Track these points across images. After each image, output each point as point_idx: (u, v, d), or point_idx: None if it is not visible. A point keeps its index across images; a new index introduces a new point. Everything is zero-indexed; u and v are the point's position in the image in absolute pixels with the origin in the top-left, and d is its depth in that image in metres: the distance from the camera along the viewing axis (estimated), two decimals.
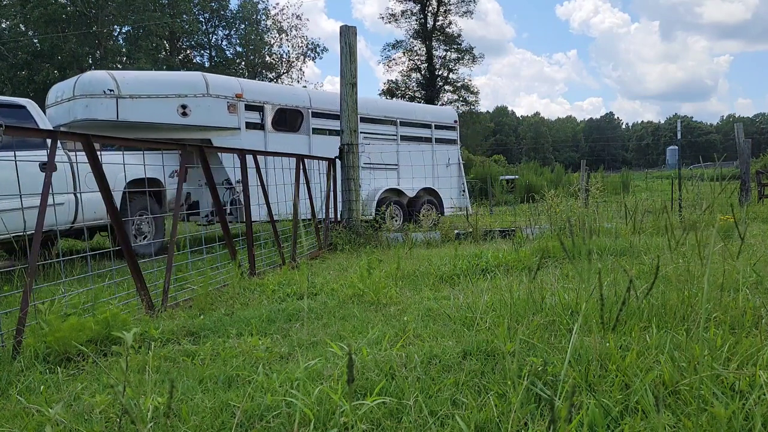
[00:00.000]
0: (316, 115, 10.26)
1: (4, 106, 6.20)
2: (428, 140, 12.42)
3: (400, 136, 11.88)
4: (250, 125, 9.36)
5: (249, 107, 9.29)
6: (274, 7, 73.08)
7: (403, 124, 12.00)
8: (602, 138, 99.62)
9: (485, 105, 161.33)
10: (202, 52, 37.40)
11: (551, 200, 7.09)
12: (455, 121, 13.30)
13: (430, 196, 11.93)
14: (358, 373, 2.34)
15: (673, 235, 3.22)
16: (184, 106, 8.48)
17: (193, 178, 8.43)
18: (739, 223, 2.96)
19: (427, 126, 12.47)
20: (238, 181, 8.14)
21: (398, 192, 11.32)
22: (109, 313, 3.24)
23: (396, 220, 11.11)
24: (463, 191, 12.90)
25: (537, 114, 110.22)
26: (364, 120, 10.56)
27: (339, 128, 9.73)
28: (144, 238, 7.75)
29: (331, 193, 8.16)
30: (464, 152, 28.10)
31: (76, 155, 6.41)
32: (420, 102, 44.76)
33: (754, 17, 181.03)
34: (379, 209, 10.16)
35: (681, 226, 3.95)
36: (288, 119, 10.16)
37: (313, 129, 10.21)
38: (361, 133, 9.93)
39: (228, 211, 8.68)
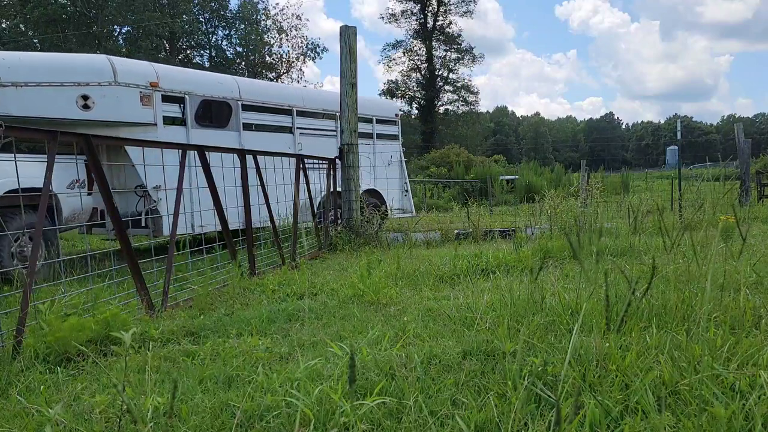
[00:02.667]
0: (248, 108, 8.88)
1: None
2: (369, 136, 11.14)
3: (341, 131, 11.14)
4: (168, 120, 7.92)
5: (167, 98, 7.78)
6: (274, 7, 73.11)
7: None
8: (602, 138, 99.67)
9: (485, 105, 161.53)
10: (202, 52, 37.46)
11: (551, 200, 7.09)
12: (396, 115, 12.21)
13: (373, 198, 10.63)
14: (358, 373, 2.34)
15: (669, 236, 3.22)
16: (85, 97, 6.92)
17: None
18: (741, 223, 2.96)
19: (368, 120, 11.11)
20: (155, 187, 7.00)
21: (338, 194, 9.73)
22: (109, 314, 3.24)
23: (336, 226, 9.92)
24: (406, 192, 11.89)
25: (537, 114, 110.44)
26: (300, 114, 9.71)
27: (277, 123, 9.26)
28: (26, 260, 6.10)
29: (332, 195, 8.16)
30: (464, 152, 28.13)
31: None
32: (421, 102, 44.84)
33: (756, 17, 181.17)
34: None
35: (680, 226, 3.95)
36: (214, 113, 8.72)
37: (245, 124, 8.80)
38: (297, 129, 9.52)
39: (143, 222, 7.49)
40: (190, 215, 7.18)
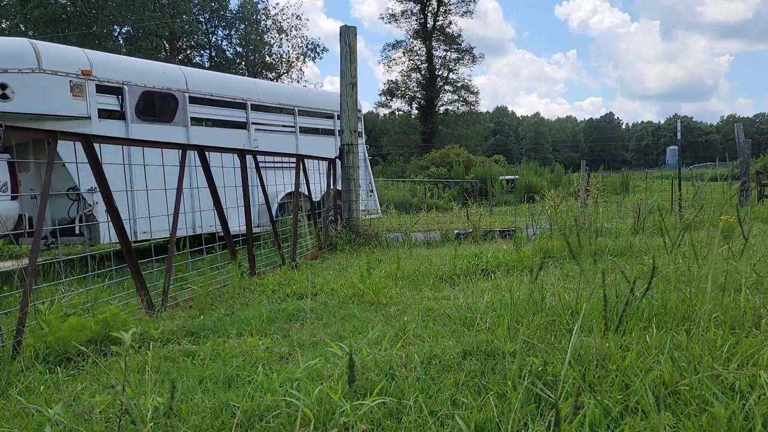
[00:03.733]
0: (196, 101, 8.10)
1: None
2: (330, 132, 10.61)
3: (300, 127, 9.97)
4: (105, 113, 7.12)
5: (103, 89, 7.01)
6: (274, 7, 73.16)
7: (303, 113, 10.13)
8: (602, 138, 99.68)
9: (485, 105, 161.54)
10: (202, 52, 37.44)
11: (551, 200, 7.09)
12: (359, 110, 11.31)
13: (338, 198, 10.03)
14: (358, 373, 2.34)
15: (669, 236, 3.22)
16: (3, 86, 6.22)
17: (25, 186, 6.58)
18: (743, 223, 2.96)
19: (329, 116, 10.58)
20: (90, 190, 6.22)
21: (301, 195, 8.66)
22: (109, 314, 3.24)
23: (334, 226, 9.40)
24: (371, 192, 11.16)
25: (537, 114, 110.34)
26: (255, 108, 9.05)
27: (229, 118, 8.61)
28: None
29: (332, 195, 8.16)
30: (464, 152, 28.11)
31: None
32: (421, 102, 44.83)
33: (756, 16, 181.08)
34: (281, 217, 8.39)
35: (681, 226, 3.96)
36: (158, 106, 7.85)
37: (193, 119, 8.05)
38: (252, 124, 8.90)
39: (76, 230, 6.83)
40: (141, 219, 6.48)
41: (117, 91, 7.22)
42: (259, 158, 7.86)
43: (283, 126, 9.83)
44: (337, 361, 2.49)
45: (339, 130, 10.23)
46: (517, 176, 24.35)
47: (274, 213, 8.10)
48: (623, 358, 2.20)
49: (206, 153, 5.27)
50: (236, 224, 6.19)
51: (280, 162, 8.44)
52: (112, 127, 7.08)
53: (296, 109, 9.93)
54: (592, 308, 2.84)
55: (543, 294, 3.21)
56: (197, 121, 8.22)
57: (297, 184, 7.00)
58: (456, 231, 8.20)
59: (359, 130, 11.03)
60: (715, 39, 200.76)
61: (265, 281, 5.12)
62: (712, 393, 1.91)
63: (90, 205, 6.56)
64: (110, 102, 7.20)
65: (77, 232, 6.83)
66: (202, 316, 3.85)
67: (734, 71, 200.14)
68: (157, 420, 1.99)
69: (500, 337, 2.60)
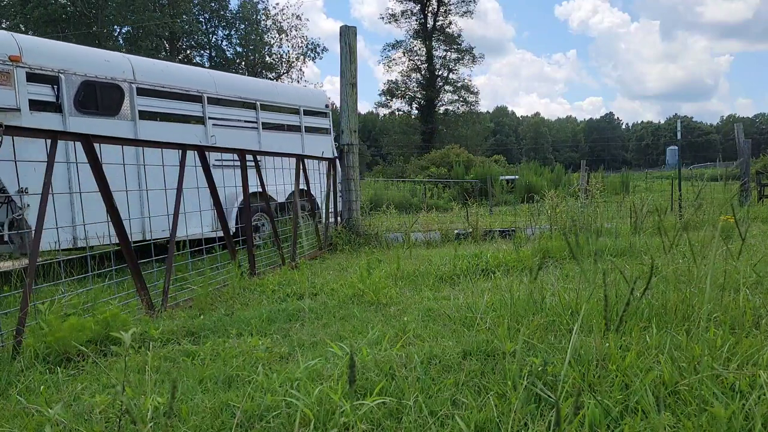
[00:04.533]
0: (145, 92, 7.42)
1: None
2: (297, 129, 9.97)
3: (262, 123, 9.24)
4: (38, 105, 6.41)
5: (35, 77, 6.34)
6: (274, 7, 73.16)
7: (265, 108, 9.40)
8: (602, 138, 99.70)
9: (485, 105, 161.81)
10: (202, 52, 37.45)
11: (551, 200, 7.09)
12: (327, 106, 10.77)
13: (304, 200, 9.00)
14: (358, 373, 2.34)
15: (668, 236, 3.22)
16: None
17: None
18: (740, 223, 2.96)
19: (295, 111, 9.94)
20: (21, 191, 5.55)
21: (264, 197, 7.62)
22: (109, 314, 3.24)
23: (261, 234, 8.75)
24: (341, 192, 10.36)
25: (537, 114, 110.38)
26: (213, 102, 8.35)
27: (183, 112, 7.92)
28: None
29: (331, 194, 8.15)
30: (464, 152, 28.11)
31: None
32: (421, 102, 44.81)
33: (756, 17, 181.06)
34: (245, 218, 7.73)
35: (680, 226, 3.96)
36: (101, 98, 7.10)
37: (142, 112, 7.34)
38: (209, 119, 8.18)
39: (5, 237, 6.24)
40: (73, 225, 6.02)
41: (52, 80, 6.52)
42: (216, 156, 7.46)
43: (244, 121, 9.09)
44: (337, 361, 2.49)
45: (301, 126, 9.91)
46: (517, 176, 24.34)
47: (234, 217, 7.88)
48: (623, 358, 2.20)
49: (206, 153, 5.28)
50: (195, 228, 5.90)
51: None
52: (46, 120, 6.38)
53: (258, 103, 9.20)
54: (592, 308, 2.84)
55: (543, 294, 3.21)
56: (147, 115, 7.47)
57: (297, 185, 7.00)
58: (456, 231, 8.21)
59: (327, 126, 10.61)
60: (715, 39, 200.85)
61: (265, 281, 5.12)
62: (712, 393, 1.91)
63: (20, 209, 5.74)
64: (44, 92, 6.51)
65: (6, 239, 6.17)
66: (202, 316, 3.86)
67: (734, 71, 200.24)
68: (157, 420, 1.99)
69: (500, 337, 2.60)
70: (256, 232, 8.34)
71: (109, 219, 4.01)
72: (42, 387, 2.52)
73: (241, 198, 7.75)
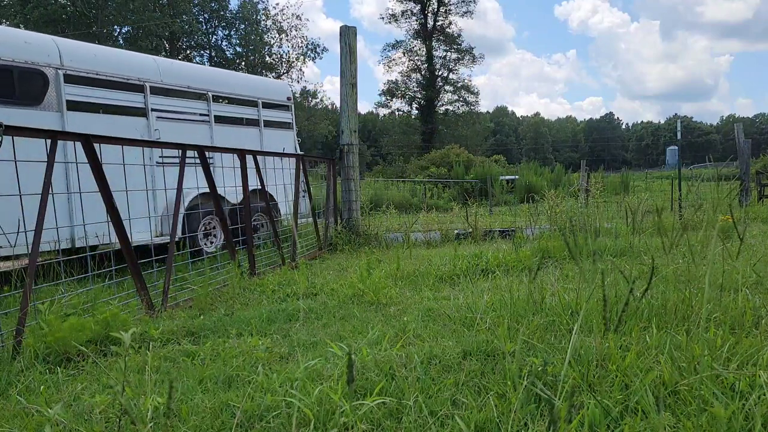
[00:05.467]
0: (75, 80, 6.57)
1: None
2: (255, 123, 9.18)
3: (215, 116, 8.38)
4: None
5: None
6: (274, 7, 73.11)
7: (218, 99, 8.66)
8: (602, 138, 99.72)
9: (485, 105, 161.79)
10: (202, 52, 37.47)
11: (551, 200, 7.09)
12: (289, 99, 9.97)
13: (262, 201, 8.02)
14: (358, 373, 2.34)
15: (667, 237, 3.23)
16: None
17: None
18: (738, 223, 2.96)
19: (253, 104, 9.17)
20: None
21: (217, 198, 6.39)
22: (109, 314, 3.24)
23: (213, 241, 7.94)
24: (304, 192, 9.26)
25: (537, 114, 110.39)
26: (157, 92, 7.53)
27: (122, 103, 7.10)
28: None
29: (332, 195, 8.16)
30: (464, 153, 28.10)
31: None
32: (421, 102, 44.79)
33: (756, 16, 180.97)
34: (191, 223, 7.17)
35: (679, 227, 3.96)
36: (18, 85, 6.26)
37: (71, 102, 6.52)
38: (153, 110, 7.38)
39: None
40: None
41: None
42: (158, 152, 6.74)
43: (193, 114, 8.18)
44: (337, 361, 2.49)
45: (259, 119, 9.16)
46: (517, 176, 24.33)
47: (180, 222, 6.80)
48: (623, 358, 2.20)
49: (206, 153, 5.27)
50: (140, 233, 5.49)
51: (192, 158, 6.57)
52: None
53: (210, 94, 8.34)
54: (591, 308, 2.84)
55: (543, 294, 3.21)
56: (77, 106, 6.63)
57: (297, 186, 6.99)
58: (456, 231, 8.21)
59: (289, 120, 9.89)
60: (715, 39, 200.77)
61: (265, 281, 5.12)
62: (712, 393, 1.91)
63: None
64: None
65: None
66: (202, 316, 3.86)
67: (734, 71, 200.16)
68: (157, 420, 1.99)
69: (500, 337, 2.60)
70: (206, 237, 7.77)
71: (109, 219, 4.01)
72: (42, 387, 2.52)
73: (190, 198, 7.27)
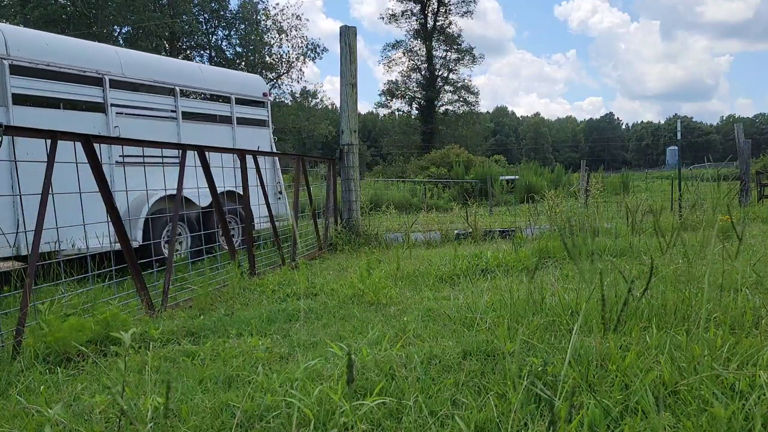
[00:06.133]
0: (23, 71, 5.98)
1: None
2: (227, 120, 8.60)
3: (182, 112, 7.76)
4: None
5: None
6: (274, 7, 73.08)
7: (187, 94, 8.15)
8: (602, 138, 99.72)
9: (485, 105, 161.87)
10: (202, 52, 37.44)
11: (551, 200, 7.09)
12: (265, 94, 9.42)
13: (234, 203, 7.95)
14: (358, 374, 2.34)
15: (665, 237, 3.23)
16: None
17: None
18: (737, 223, 2.96)
19: (225, 99, 8.65)
20: None
21: (183, 201, 6.26)
22: (109, 314, 3.24)
23: (178, 247, 7.25)
24: (279, 193, 8.96)
25: (537, 114, 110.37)
26: (118, 86, 6.94)
27: (78, 98, 6.60)
28: None
29: (332, 195, 8.16)
30: (464, 153, 28.10)
31: None
32: (421, 103, 44.78)
33: (756, 16, 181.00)
34: (154, 228, 6.61)
35: (679, 227, 3.97)
36: None
37: (18, 96, 5.90)
38: (112, 106, 6.79)
39: None
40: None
41: None
42: (118, 150, 6.28)
43: (158, 110, 7.58)
44: (337, 361, 2.49)
45: (232, 116, 8.58)
46: (517, 176, 24.33)
47: (140, 228, 6.43)
48: (623, 358, 2.20)
49: (206, 153, 5.27)
50: (95, 239, 5.16)
51: (155, 158, 6.30)
52: None
53: (177, 88, 7.72)
54: (591, 308, 2.84)
55: (543, 294, 3.21)
56: (25, 100, 6.08)
57: (297, 188, 7.00)
58: (456, 231, 8.21)
59: (264, 117, 9.35)
60: (715, 39, 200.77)
61: (265, 281, 5.12)
62: (712, 393, 1.91)
63: None
64: None
65: None
66: (202, 317, 3.86)
67: (734, 71, 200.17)
68: (157, 420, 1.99)
69: (500, 338, 2.60)
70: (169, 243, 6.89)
71: (109, 219, 4.01)
72: (42, 387, 2.52)
73: (154, 199, 6.65)
